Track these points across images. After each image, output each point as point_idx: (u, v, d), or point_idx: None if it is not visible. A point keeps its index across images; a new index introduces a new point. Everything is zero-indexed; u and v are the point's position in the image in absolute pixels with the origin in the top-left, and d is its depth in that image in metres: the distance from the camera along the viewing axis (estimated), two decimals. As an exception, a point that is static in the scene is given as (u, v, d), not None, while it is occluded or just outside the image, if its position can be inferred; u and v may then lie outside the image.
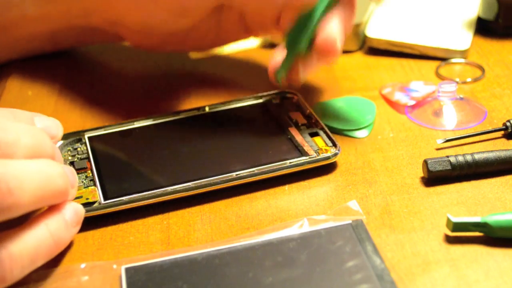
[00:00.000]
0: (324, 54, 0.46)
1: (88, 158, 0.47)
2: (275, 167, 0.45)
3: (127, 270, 0.39)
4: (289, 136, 0.48)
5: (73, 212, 0.41)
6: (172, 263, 0.39)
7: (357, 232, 0.40)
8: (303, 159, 0.46)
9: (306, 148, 0.47)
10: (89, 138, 0.49)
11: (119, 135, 0.50)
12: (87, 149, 0.48)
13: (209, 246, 0.40)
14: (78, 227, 0.42)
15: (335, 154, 0.46)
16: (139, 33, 0.55)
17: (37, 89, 0.58)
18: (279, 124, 0.50)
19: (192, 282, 0.38)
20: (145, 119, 0.51)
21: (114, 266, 0.39)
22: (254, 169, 0.45)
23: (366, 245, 0.39)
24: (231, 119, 0.51)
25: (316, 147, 0.47)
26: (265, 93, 0.53)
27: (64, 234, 0.40)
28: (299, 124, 0.49)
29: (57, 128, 0.45)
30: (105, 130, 0.50)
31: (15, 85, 0.59)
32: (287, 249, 0.39)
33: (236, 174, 0.45)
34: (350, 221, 0.41)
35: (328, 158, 0.46)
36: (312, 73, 0.50)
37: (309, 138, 0.48)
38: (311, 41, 0.47)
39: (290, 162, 0.46)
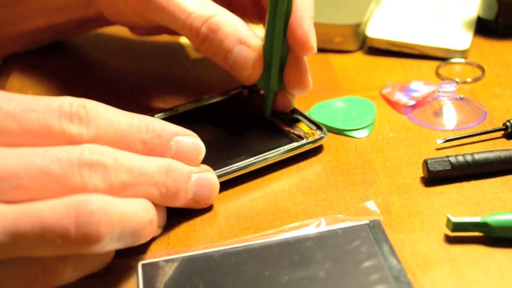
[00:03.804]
0: (304, 51, 0.47)
1: None
2: (271, 155, 0.46)
3: (143, 266, 0.39)
4: (274, 126, 0.49)
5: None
6: (189, 260, 0.39)
7: (374, 232, 0.40)
8: (295, 144, 0.47)
9: (297, 132, 0.48)
10: None
11: None
12: None
13: (226, 244, 0.40)
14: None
15: (321, 138, 0.47)
16: (128, 26, 0.58)
17: (37, 88, 0.58)
18: (260, 116, 0.50)
19: (208, 279, 0.38)
20: None
21: (131, 263, 0.39)
22: (252, 159, 0.45)
23: (383, 245, 0.39)
24: (212, 115, 0.51)
25: (302, 132, 0.48)
26: (233, 88, 0.53)
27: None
28: (278, 113, 0.50)
29: (196, 152, 0.41)
30: None
31: (15, 85, 0.59)
32: (303, 248, 0.39)
33: (236, 165, 0.45)
34: (367, 221, 0.41)
35: (318, 140, 0.47)
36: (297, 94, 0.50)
37: (292, 124, 0.49)
38: (281, 75, 0.48)
39: (285, 149, 0.46)
